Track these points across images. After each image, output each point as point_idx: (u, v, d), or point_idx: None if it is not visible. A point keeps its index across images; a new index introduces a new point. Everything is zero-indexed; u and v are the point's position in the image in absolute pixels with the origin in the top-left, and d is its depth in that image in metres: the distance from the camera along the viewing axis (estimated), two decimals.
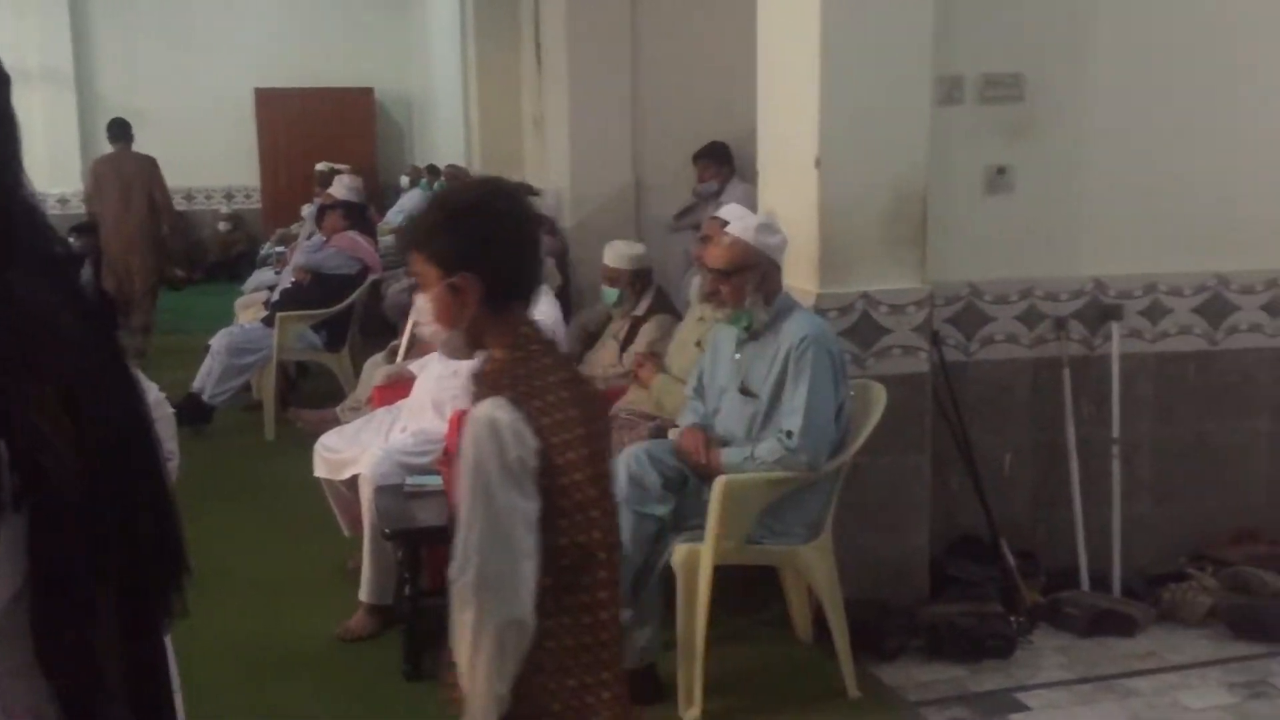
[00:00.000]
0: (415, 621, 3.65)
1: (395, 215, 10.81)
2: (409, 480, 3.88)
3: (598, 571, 1.89)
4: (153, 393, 2.39)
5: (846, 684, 3.51)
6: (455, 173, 10.07)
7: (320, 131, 12.70)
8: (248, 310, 7.54)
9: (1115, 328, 4.14)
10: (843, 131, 3.82)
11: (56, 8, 12.25)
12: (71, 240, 4.46)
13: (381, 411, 4.46)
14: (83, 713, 0.96)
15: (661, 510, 3.43)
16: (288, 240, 9.74)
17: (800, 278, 3.86)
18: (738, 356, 3.60)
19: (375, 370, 5.24)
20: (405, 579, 3.69)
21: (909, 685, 3.61)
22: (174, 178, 9.61)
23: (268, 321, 6.67)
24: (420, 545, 3.69)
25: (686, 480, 3.51)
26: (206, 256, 13.07)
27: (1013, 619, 3.84)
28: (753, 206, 4.21)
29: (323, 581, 4.40)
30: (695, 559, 3.36)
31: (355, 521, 4.14)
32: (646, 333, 4.78)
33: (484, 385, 1.86)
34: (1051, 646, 3.83)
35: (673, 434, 3.70)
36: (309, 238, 7.86)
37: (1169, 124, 4.14)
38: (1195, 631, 3.91)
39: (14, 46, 10.65)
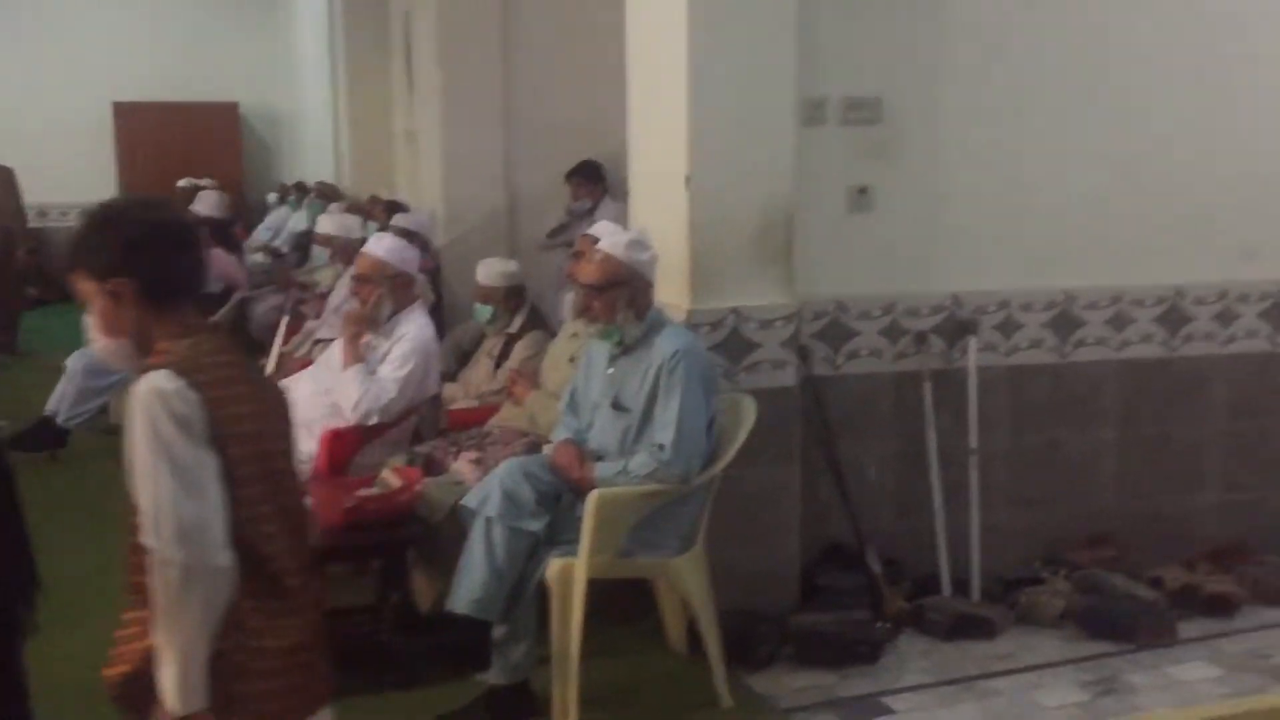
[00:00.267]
0: None
1: (264, 233, 10.61)
2: None
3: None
4: None
5: (719, 693, 3.57)
6: (325, 189, 9.94)
7: (182, 147, 12.38)
8: None
9: (972, 342, 4.31)
10: (712, 151, 3.90)
11: None
12: None
13: None
14: None
15: (536, 525, 3.44)
16: None
17: (672, 293, 3.92)
18: (610, 371, 3.64)
19: None
20: None
21: (780, 692, 3.68)
22: (27, 194, 9.25)
23: None
24: None
25: (561, 495, 3.53)
26: (61, 275, 12.59)
27: (879, 625, 3.95)
28: (625, 224, 4.27)
29: None
30: (570, 573, 3.38)
31: None
32: (521, 350, 4.79)
33: (149, 369, 1.92)
34: (916, 650, 3.95)
35: (547, 449, 3.72)
36: None
37: (1021, 145, 4.33)
38: (1050, 632, 4.09)
39: None
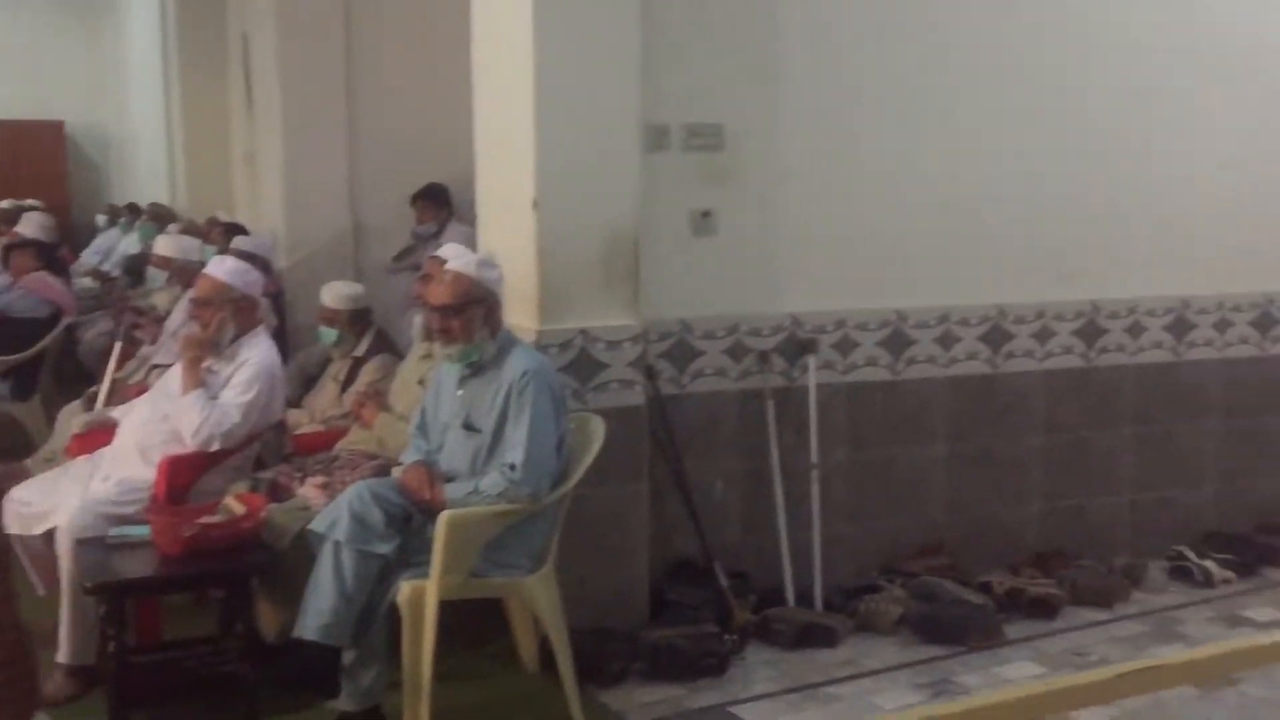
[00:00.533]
0: (121, 680, 3.45)
1: (92, 256, 10.20)
2: (112, 531, 3.68)
3: None
4: None
5: (572, 710, 3.59)
6: (159, 211, 9.62)
7: (4, 167, 11.80)
8: None
9: (811, 360, 4.48)
10: (558, 175, 3.97)
11: None
12: None
13: (80, 461, 4.20)
14: None
15: (385, 548, 3.42)
16: None
17: (521, 315, 3.96)
18: (460, 393, 3.65)
19: (72, 419, 4.92)
20: (109, 635, 3.48)
21: (631, 707, 3.74)
22: None
23: None
24: (125, 599, 3.50)
25: (411, 517, 3.52)
26: None
27: (727, 637, 4.05)
28: (473, 248, 4.29)
29: None
30: (421, 595, 3.37)
31: (52, 579, 3.87)
32: (367, 373, 4.75)
33: None
34: (762, 660, 4.07)
35: (396, 472, 3.70)
36: None
37: (856, 171, 4.52)
38: (888, 638, 4.26)
39: None
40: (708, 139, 4.31)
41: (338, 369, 4.93)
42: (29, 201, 10.03)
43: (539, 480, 3.47)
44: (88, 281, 8.81)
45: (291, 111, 7.01)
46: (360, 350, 4.87)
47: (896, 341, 4.64)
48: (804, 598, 4.39)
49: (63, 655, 3.70)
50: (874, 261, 4.59)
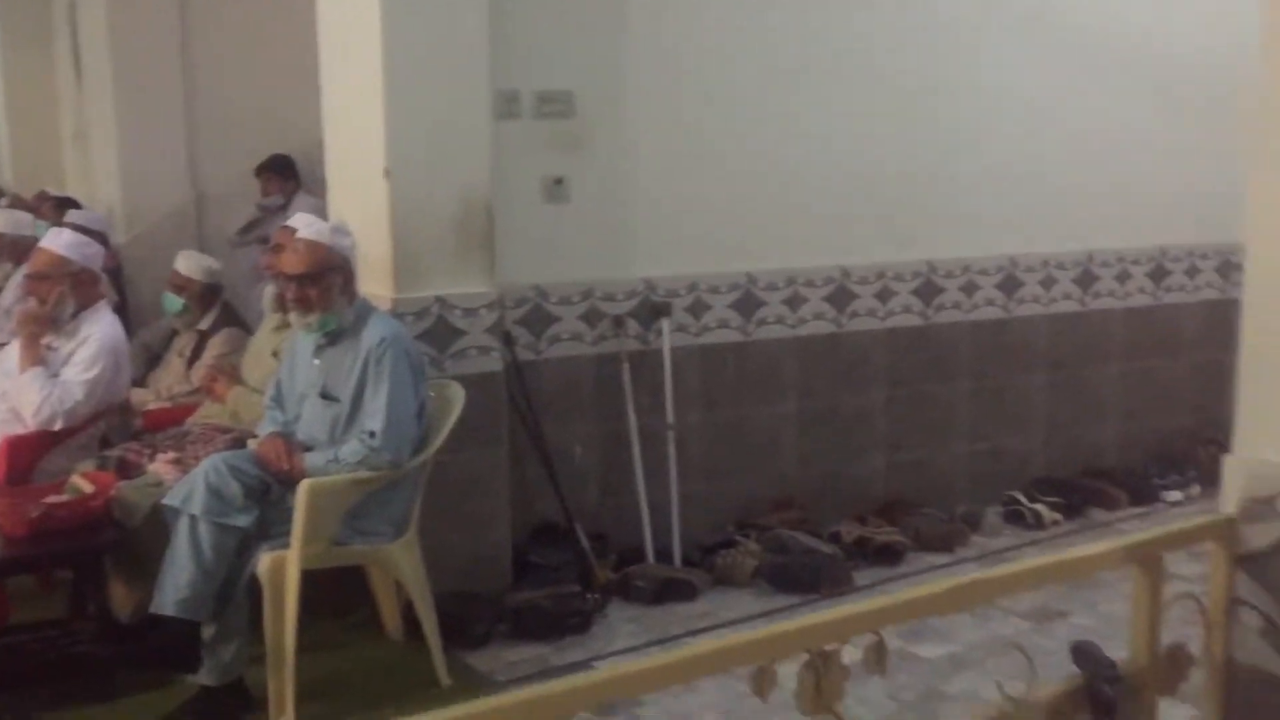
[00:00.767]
0: None
1: None
2: None
3: None
4: None
5: (438, 673, 3.63)
6: None
7: None
8: None
9: (665, 324, 4.58)
10: (410, 143, 3.96)
11: None
12: None
13: None
14: None
15: (243, 520, 3.38)
16: None
17: (375, 284, 3.94)
18: (317, 362, 3.63)
19: None
20: None
21: (497, 667, 3.79)
22: None
23: None
24: None
25: (269, 489, 3.48)
26: None
27: (589, 596, 4.14)
28: (323, 218, 4.23)
29: None
30: (282, 566, 3.35)
31: None
32: (214, 346, 4.65)
33: None
34: (624, 617, 4.17)
35: (252, 444, 3.66)
36: None
37: (706, 138, 4.63)
38: (744, 590, 4.41)
39: None
40: (558, 106, 4.35)
41: (183, 344, 4.81)
42: None
43: (399, 447, 3.48)
44: None
45: (124, 82, 6.75)
46: (205, 324, 4.76)
47: (747, 304, 4.78)
48: (663, 555, 4.51)
49: None
50: (724, 226, 4.71)
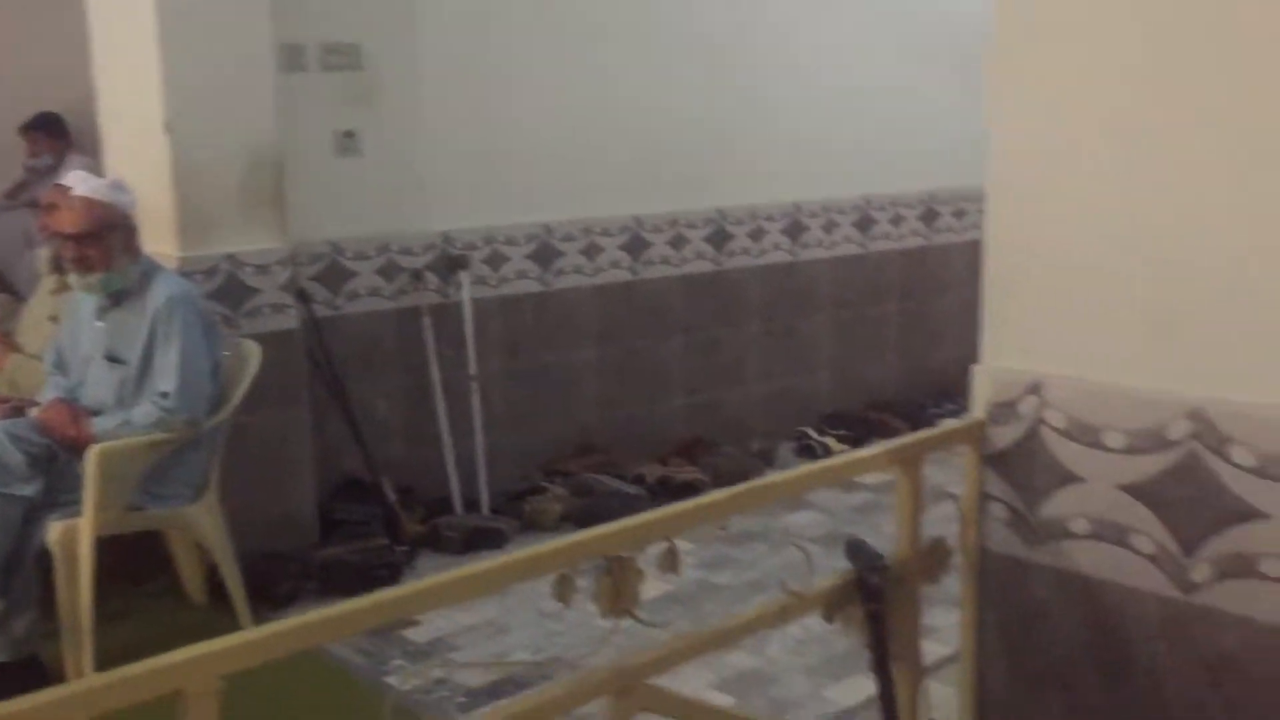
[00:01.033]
0: None
1: None
2: None
3: None
4: None
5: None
6: None
7: None
8: None
9: (464, 276, 4.61)
10: (190, 96, 3.84)
11: None
12: None
13: None
14: None
15: (29, 490, 3.26)
16: None
17: (160, 243, 3.82)
18: (100, 324, 3.51)
19: None
20: None
21: None
22: None
23: None
24: None
25: (55, 456, 3.36)
26: None
27: (397, 549, 4.16)
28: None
29: None
30: (74, 534, 3.25)
31: None
32: None
33: None
34: (434, 568, 4.20)
35: (34, 412, 3.51)
36: None
37: (498, 89, 4.64)
38: (552, 535, 4.52)
39: None
40: (346, 58, 4.29)
41: None
42: None
43: (194, 406, 3.41)
44: None
45: None
46: None
47: (544, 254, 4.86)
48: (472, 504, 4.57)
49: None
50: (519, 178, 4.76)
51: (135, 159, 3.98)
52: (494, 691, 3.36)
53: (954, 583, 2.09)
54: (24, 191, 6.15)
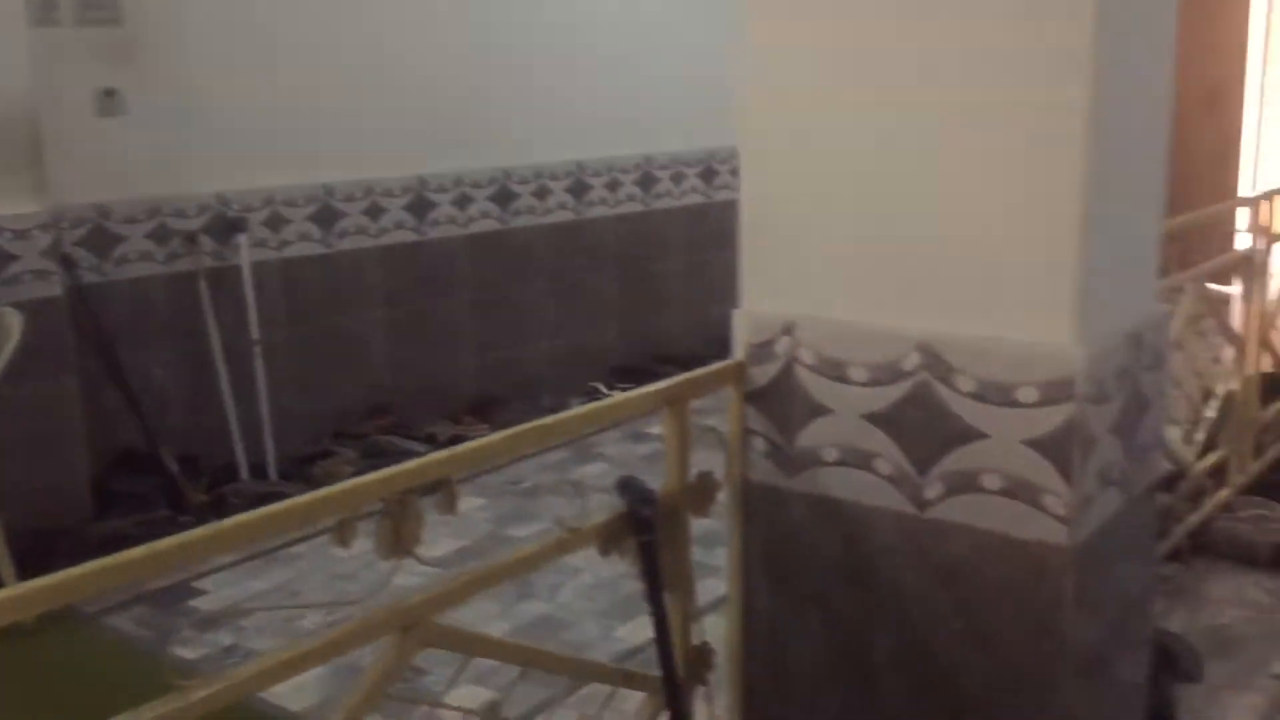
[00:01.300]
0: None
1: None
2: None
3: None
4: None
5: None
6: None
7: None
8: None
9: (243, 239, 4.51)
10: None
11: None
12: None
13: None
14: None
15: None
16: None
17: None
18: None
19: None
20: None
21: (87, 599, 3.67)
22: None
23: None
24: None
25: None
26: None
27: (181, 519, 4.07)
28: None
29: None
30: None
31: None
32: None
33: None
34: None
35: None
36: None
37: (268, 48, 4.54)
38: None
39: None
40: (104, 12, 4.11)
41: None
42: None
43: None
44: None
45: None
46: None
47: (326, 215, 4.79)
48: (259, 471, 4.50)
49: None
50: (296, 138, 4.67)
51: None
52: None
53: (720, 513, 2.23)
54: None
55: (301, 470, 4.57)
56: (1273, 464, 4.25)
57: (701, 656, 2.19)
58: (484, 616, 3.45)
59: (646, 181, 5.98)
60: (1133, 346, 1.95)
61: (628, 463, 4.83)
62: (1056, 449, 1.80)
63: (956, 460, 1.90)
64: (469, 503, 4.50)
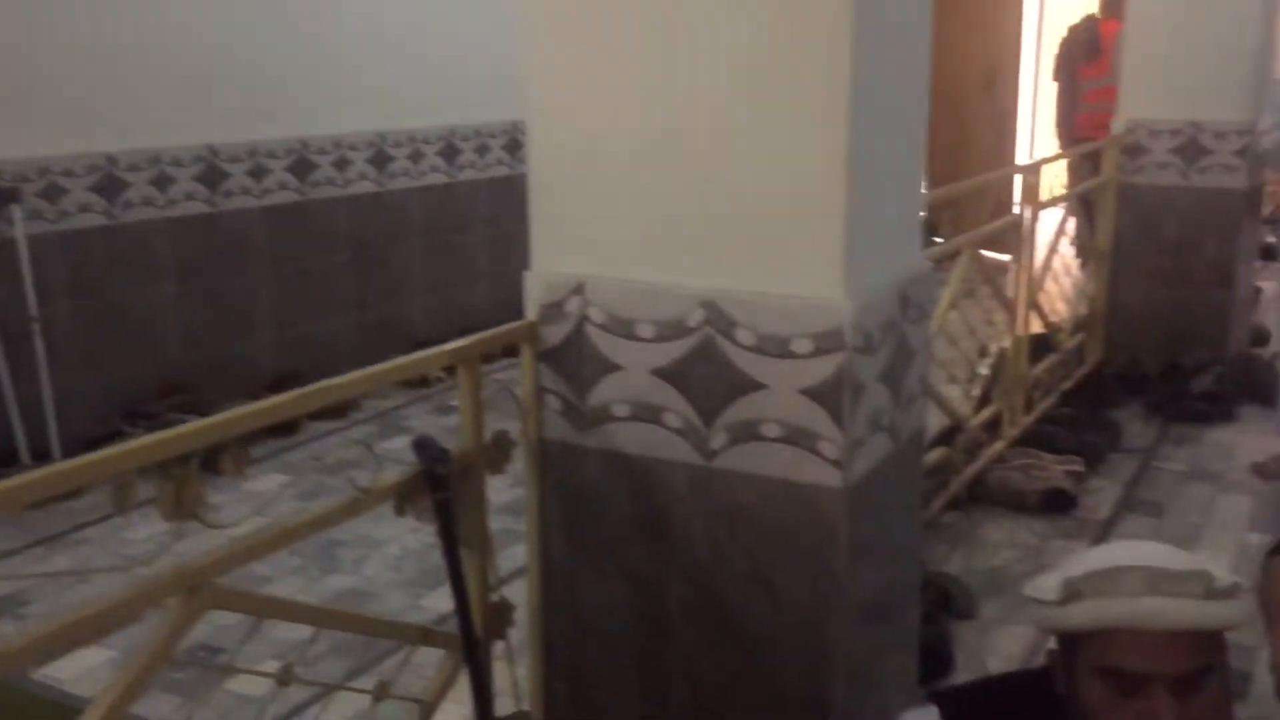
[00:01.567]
0: None
1: None
2: None
3: None
4: None
5: None
6: None
7: None
8: None
9: (16, 210, 4.26)
10: None
11: None
12: None
13: None
14: None
15: None
16: None
17: None
18: None
19: None
20: None
21: None
22: None
23: None
24: None
25: None
26: None
27: None
28: None
29: None
30: None
31: None
32: None
33: None
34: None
35: None
36: None
37: (42, 9, 4.30)
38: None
39: None
40: None
41: None
42: None
43: None
44: None
45: None
46: None
47: (110, 186, 4.58)
48: (42, 454, 4.29)
49: None
50: (78, 104, 4.44)
51: None
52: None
53: (517, 472, 2.27)
54: None
55: (90, 452, 4.35)
56: (1041, 417, 4.57)
57: (500, 613, 2.22)
58: (287, 592, 3.40)
59: (450, 153, 5.93)
60: (899, 301, 2.08)
61: (434, 435, 4.80)
62: (829, 397, 1.91)
63: (739, 411, 1.99)
64: (272, 480, 4.41)
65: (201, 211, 4.89)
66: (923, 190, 2.25)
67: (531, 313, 2.19)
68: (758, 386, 1.97)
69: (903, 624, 2.38)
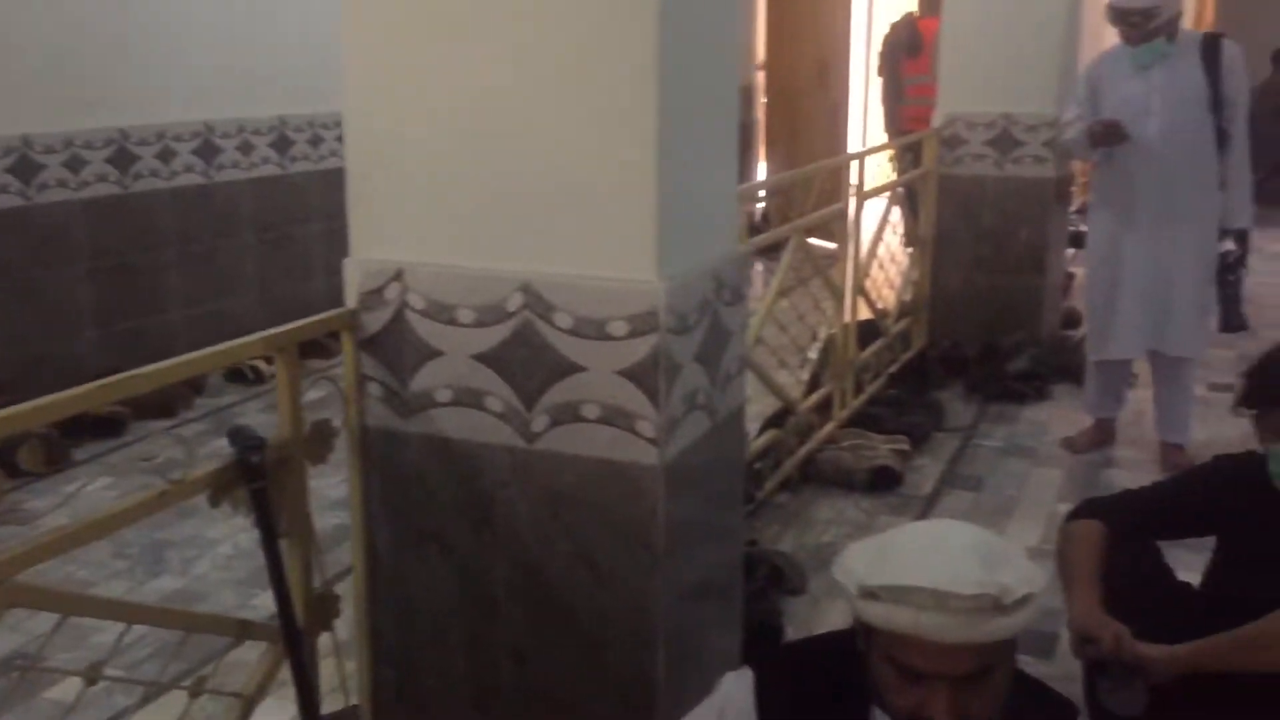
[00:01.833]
0: None
1: None
2: None
3: None
4: None
5: None
6: None
7: None
8: None
9: None
10: None
11: None
12: None
13: None
14: None
15: None
16: None
17: None
18: None
19: None
20: None
21: None
22: None
23: None
24: None
25: None
26: None
27: None
28: None
29: None
30: None
31: None
32: None
33: None
34: None
35: None
36: None
37: None
38: None
39: None
40: None
41: None
42: None
43: None
44: None
45: None
46: None
47: (25, 168, 4.44)
48: None
49: None
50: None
51: None
52: None
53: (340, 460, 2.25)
54: None
55: None
56: (870, 399, 4.74)
57: (324, 603, 2.21)
58: (110, 596, 3.29)
59: (282, 144, 5.80)
60: (713, 283, 2.14)
61: (266, 432, 4.71)
62: (645, 377, 1.96)
63: (559, 393, 2.02)
64: (95, 482, 4.24)
65: (13, 205, 4.67)
66: (737, 180, 2.32)
67: (351, 300, 2.18)
68: (577, 369, 2.00)
69: (727, 601, 2.44)
